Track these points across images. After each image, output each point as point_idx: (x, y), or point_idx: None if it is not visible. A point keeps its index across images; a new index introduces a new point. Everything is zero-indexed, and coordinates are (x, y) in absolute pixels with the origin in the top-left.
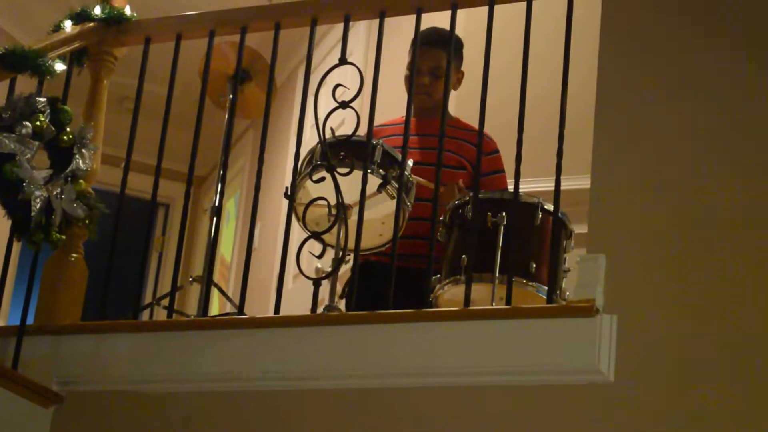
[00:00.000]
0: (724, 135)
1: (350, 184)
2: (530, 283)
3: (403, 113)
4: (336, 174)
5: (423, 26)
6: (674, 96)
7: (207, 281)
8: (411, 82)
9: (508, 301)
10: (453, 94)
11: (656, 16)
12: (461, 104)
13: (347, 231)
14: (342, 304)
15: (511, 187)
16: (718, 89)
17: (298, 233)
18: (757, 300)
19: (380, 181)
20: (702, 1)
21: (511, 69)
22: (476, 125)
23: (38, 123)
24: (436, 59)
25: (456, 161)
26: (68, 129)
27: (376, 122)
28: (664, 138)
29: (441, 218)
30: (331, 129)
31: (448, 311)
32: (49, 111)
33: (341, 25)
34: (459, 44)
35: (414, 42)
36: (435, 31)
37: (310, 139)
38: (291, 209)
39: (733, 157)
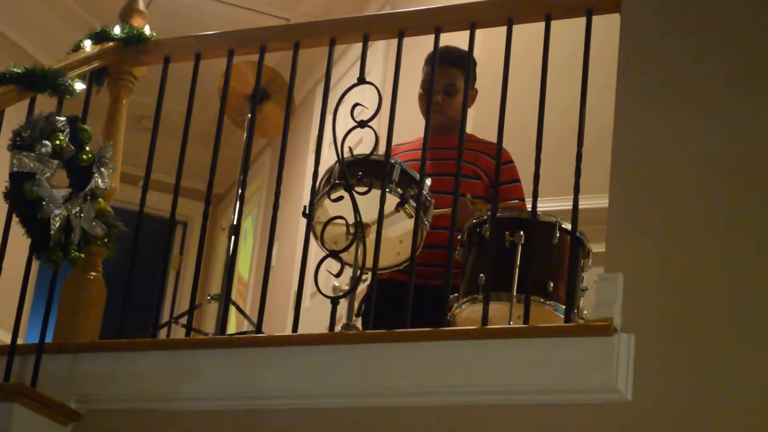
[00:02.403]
0: (742, 154)
1: (368, 203)
2: (548, 302)
3: (419, 134)
4: (354, 193)
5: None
6: (691, 115)
7: (225, 299)
8: (429, 99)
9: (526, 320)
10: (469, 113)
11: (674, 35)
12: (479, 123)
13: (365, 250)
14: (358, 322)
15: (528, 201)
16: (736, 109)
17: (315, 252)
18: None
19: (398, 200)
20: (719, 21)
21: (529, 88)
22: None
23: (58, 142)
24: (449, 77)
25: (472, 171)
26: (87, 148)
27: (394, 142)
28: (682, 156)
29: (459, 237)
30: (350, 148)
31: (466, 330)
32: (68, 130)
33: (360, 45)
34: (473, 63)
35: (431, 60)
36: (447, 50)
37: (328, 158)
38: (309, 228)
39: (753, 175)
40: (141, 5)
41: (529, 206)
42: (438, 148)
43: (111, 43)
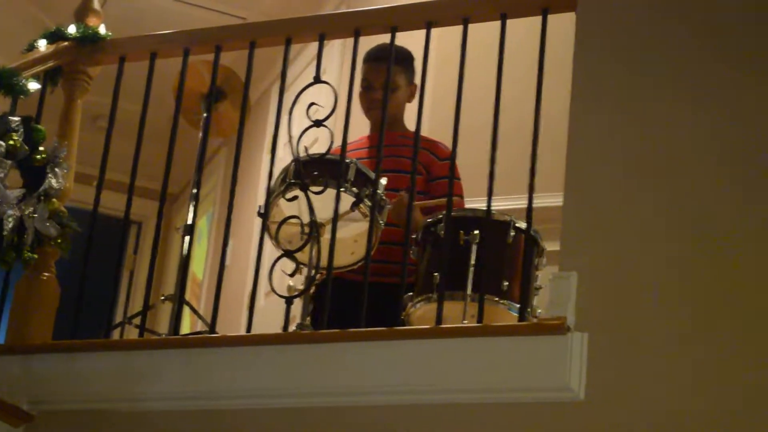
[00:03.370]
0: (696, 153)
1: (323, 202)
2: (502, 301)
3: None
4: (309, 192)
5: (397, 44)
6: (650, 112)
7: (179, 300)
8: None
9: (480, 319)
10: (424, 112)
11: (629, 33)
12: (435, 122)
13: (320, 249)
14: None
15: (476, 199)
16: (690, 108)
17: (270, 251)
18: (728, 317)
19: (353, 199)
20: (675, 19)
21: (485, 88)
22: (442, 141)
23: (11, 142)
24: (386, 74)
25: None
26: (41, 148)
27: (340, 142)
28: (639, 155)
29: (413, 236)
30: (305, 147)
31: (420, 329)
32: (22, 130)
33: (316, 44)
34: (410, 58)
35: (369, 58)
36: (384, 47)
37: (284, 158)
38: (264, 228)
39: (705, 174)
40: (96, 4)
41: (469, 203)
42: (376, 147)
43: (66, 43)
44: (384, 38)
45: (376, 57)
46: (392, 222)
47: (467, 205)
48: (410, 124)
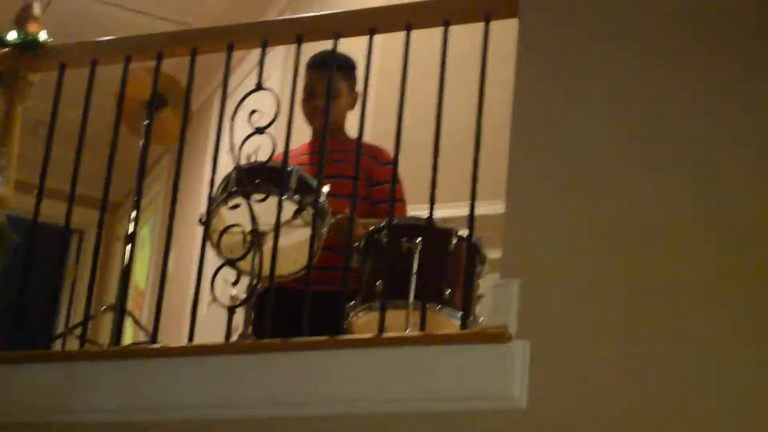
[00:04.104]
0: (642, 158)
1: (266, 210)
2: (444, 309)
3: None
4: (251, 201)
5: (340, 51)
6: (590, 120)
7: (120, 309)
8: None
9: (422, 327)
10: (367, 118)
11: (571, 39)
12: (378, 128)
13: (261, 258)
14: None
15: (418, 206)
16: (635, 111)
17: (212, 260)
18: (667, 320)
19: (296, 207)
20: (616, 27)
21: (427, 95)
22: (385, 149)
23: None
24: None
25: (353, 172)
26: None
27: (283, 149)
28: (579, 163)
29: (355, 244)
30: (247, 155)
31: (362, 339)
32: None
33: (259, 50)
34: (351, 65)
35: (312, 65)
36: (326, 53)
37: (227, 165)
38: (206, 236)
39: (652, 178)
40: (36, 11)
41: (410, 209)
42: (320, 152)
43: (5, 49)
44: (327, 45)
45: (317, 63)
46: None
47: (410, 213)
48: (353, 131)
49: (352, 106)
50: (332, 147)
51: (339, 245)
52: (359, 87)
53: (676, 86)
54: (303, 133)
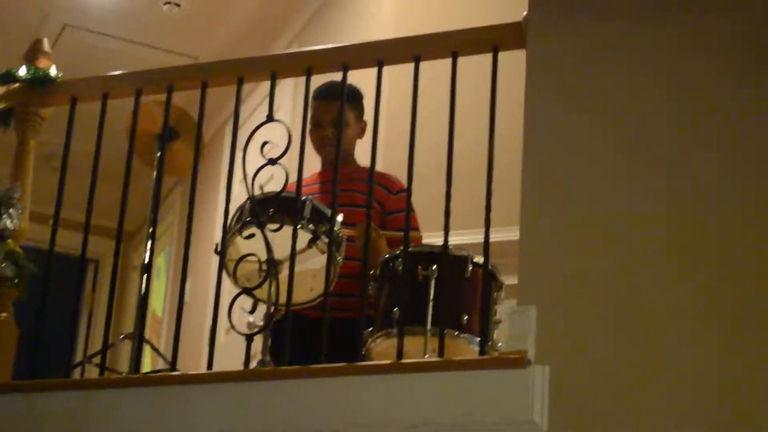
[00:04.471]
0: (653, 182)
1: (280, 239)
2: (462, 335)
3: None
4: (266, 230)
5: (349, 82)
6: (601, 146)
7: (138, 338)
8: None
9: (441, 353)
10: (379, 148)
11: (579, 68)
12: (389, 158)
13: (278, 286)
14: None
15: (433, 234)
16: (646, 137)
17: (229, 287)
18: (689, 349)
19: (310, 236)
20: (622, 55)
21: (438, 122)
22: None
23: None
24: (336, 111)
25: (364, 201)
26: None
27: (294, 179)
28: (592, 188)
29: (372, 272)
30: (260, 186)
31: (381, 365)
32: None
33: (268, 82)
34: (358, 95)
35: (318, 96)
36: (332, 84)
37: (239, 195)
38: (222, 266)
39: (662, 203)
40: (46, 46)
41: (426, 236)
42: (331, 181)
43: (17, 85)
44: (335, 75)
45: (324, 94)
46: (355, 255)
47: (425, 240)
48: (362, 160)
49: (360, 135)
50: (343, 176)
51: (353, 265)
52: (367, 117)
53: (693, 108)
54: (315, 163)
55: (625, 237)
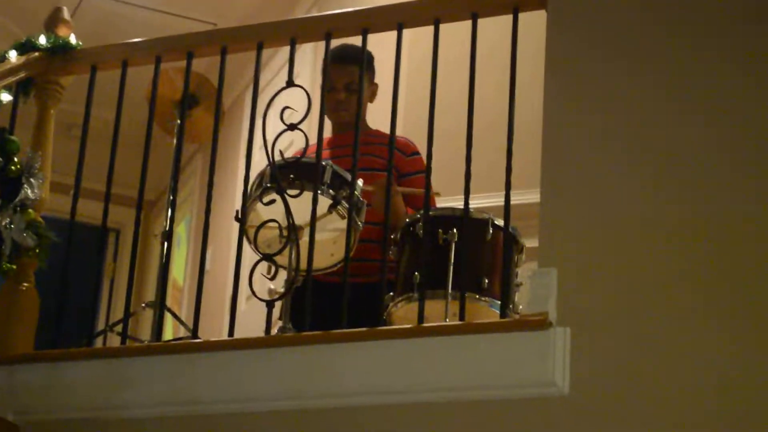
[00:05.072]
0: (670, 150)
1: (301, 205)
2: (483, 298)
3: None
4: (286, 196)
5: (354, 44)
6: (620, 109)
7: (160, 306)
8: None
9: (462, 317)
10: (399, 113)
11: (600, 30)
12: (410, 122)
13: (299, 252)
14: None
15: (456, 202)
16: (664, 99)
17: (249, 255)
18: (711, 307)
19: (330, 201)
20: (646, 14)
21: (460, 87)
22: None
23: None
24: (349, 74)
25: (381, 164)
26: (16, 159)
27: (311, 143)
28: (611, 150)
29: (392, 236)
30: (280, 151)
31: (403, 329)
32: None
33: (288, 48)
34: (370, 58)
35: (331, 60)
36: (344, 48)
37: (260, 162)
38: (242, 232)
39: (681, 170)
40: (66, 14)
41: (446, 200)
42: (346, 145)
43: (36, 54)
44: (355, 40)
45: (337, 58)
46: (373, 218)
47: (445, 204)
48: (376, 124)
49: (371, 99)
50: (350, 139)
51: (374, 230)
52: (387, 80)
53: (718, 65)
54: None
55: (647, 197)
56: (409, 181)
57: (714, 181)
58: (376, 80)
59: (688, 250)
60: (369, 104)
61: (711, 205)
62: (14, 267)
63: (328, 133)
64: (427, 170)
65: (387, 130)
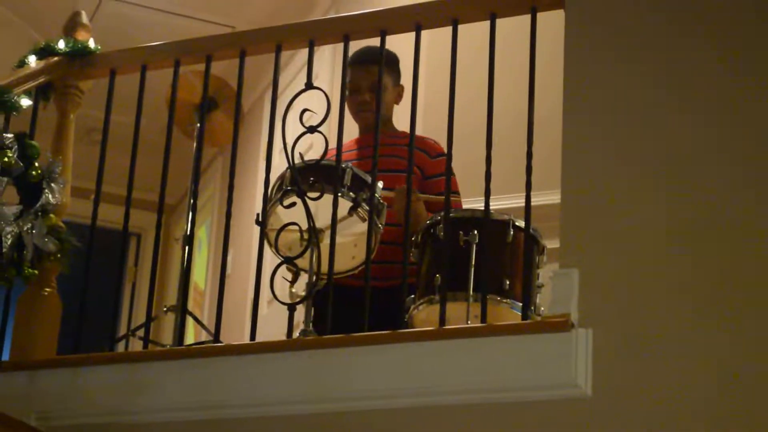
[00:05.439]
0: (694, 148)
1: (321, 208)
2: (504, 300)
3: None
4: (306, 199)
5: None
6: (639, 109)
7: (182, 310)
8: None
9: (483, 319)
10: (418, 113)
11: (619, 29)
12: (429, 123)
13: (320, 255)
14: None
15: (472, 198)
16: (687, 102)
17: (270, 258)
18: (734, 313)
19: (351, 204)
20: (663, 14)
21: (479, 88)
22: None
23: (6, 159)
24: (373, 76)
25: (404, 166)
26: (36, 164)
27: (333, 146)
28: (632, 150)
29: (413, 238)
30: (300, 154)
31: (424, 331)
32: (16, 147)
33: (306, 50)
34: (395, 59)
35: (354, 61)
36: (368, 50)
37: (279, 165)
38: (263, 236)
39: (705, 169)
40: (84, 19)
41: (466, 201)
42: (371, 146)
43: (56, 58)
44: (373, 41)
45: (361, 59)
46: (394, 220)
47: (465, 205)
48: (400, 125)
49: (398, 100)
50: (381, 141)
51: (394, 231)
52: (405, 81)
53: (733, 68)
54: (354, 131)
55: (668, 197)
56: (434, 183)
57: (733, 180)
58: None
59: (711, 251)
60: (396, 106)
61: (732, 203)
62: (36, 272)
63: (355, 134)
64: (447, 172)
65: (403, 129)
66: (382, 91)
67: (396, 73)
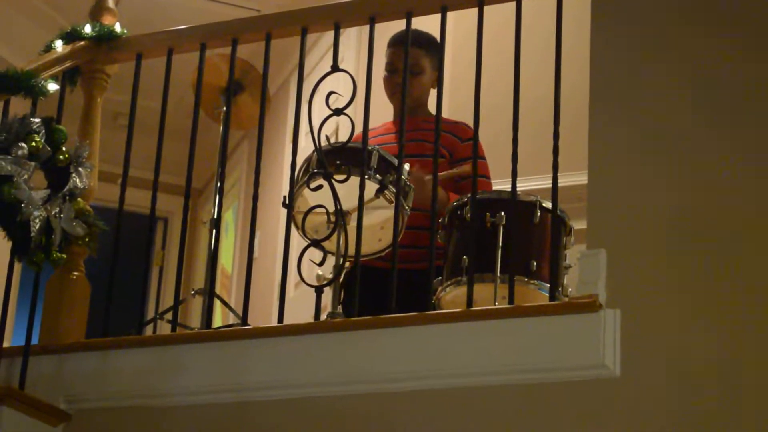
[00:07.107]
0: (723, 128)
1: (348, 190)
2: (532, 281)
3: (391, 119)
4: (333, 181)
5: (421, 29)
6: (670, 90)
7: (209, 293)
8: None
9: (511, 300)
10: (444, 95)
11: (646, 7)
12: (455, 105)
13: (347, 237)
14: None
15: (500, 180)
16: (716, 82)
17: (297, 241)
18: (760, 294)
19: (378, 186)
20: (687, 16)
21: (504, 69)
22: (466, 124)
23: (34, 144)
24: (412, 57)
25: (433, 150)
26: (64, 148)
27: (361, 129)
28: (661, 131)
29: (440, 220)
30: (326, 136)
31: (452, 313)
32: (44, 131)
33: (332, 33)
34: (434, 43)
35: (393, 42)
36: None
37: (306, 148)
38: (290, 218)
39: (734, 151)
40: (110, 3)
41: (494, 184)
42: (407, 129)
43: (82, 42)
44: (400, 24)
45: (400, 41)
46: (418, 206)
47: (493, 187)
48: (432, 108)
49: (434, 84)
50: (414, 125)
51: (421, 216)
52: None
53: (760, 55)
54: (381, 112)
55: (695, 177)
56: (462, 166)
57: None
58: None
59: (742, 235)
60: (432, 90)
61: (746, 191)
62: (64, 256)
63: (384, 116)
64: (474, 153)
65: (434, 112)
66: (420, 73)
67: (435, 56)
